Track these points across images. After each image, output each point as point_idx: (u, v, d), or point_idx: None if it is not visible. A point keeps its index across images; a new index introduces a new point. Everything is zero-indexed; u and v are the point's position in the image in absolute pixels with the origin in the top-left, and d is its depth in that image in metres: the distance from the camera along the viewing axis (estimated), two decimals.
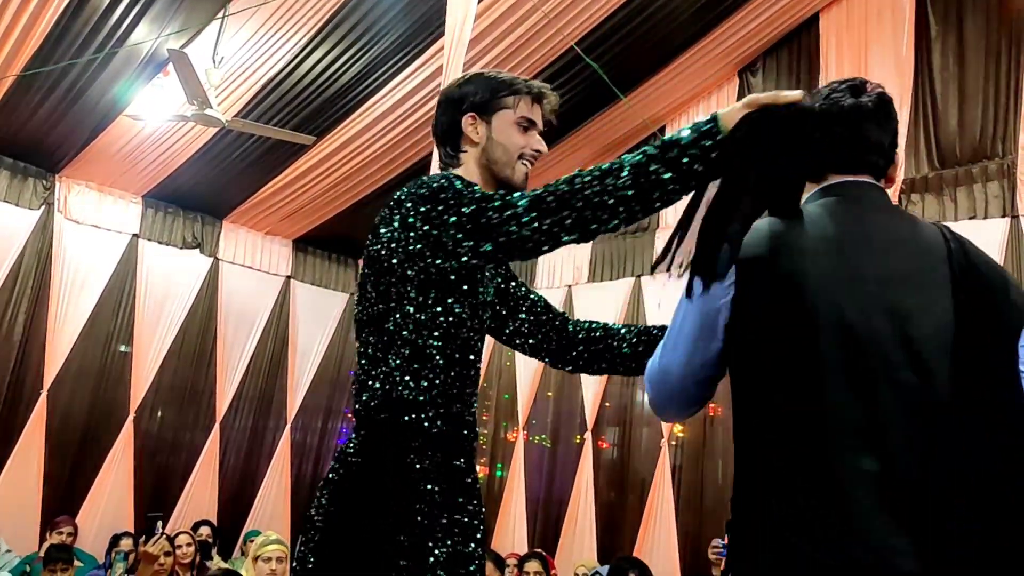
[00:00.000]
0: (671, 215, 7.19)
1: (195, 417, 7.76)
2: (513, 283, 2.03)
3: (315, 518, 1.75)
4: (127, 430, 7.20)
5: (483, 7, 5.39)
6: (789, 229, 1.43)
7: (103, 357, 7.24)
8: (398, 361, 1.67)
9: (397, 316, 1.68)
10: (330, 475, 1.77)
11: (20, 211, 6.82)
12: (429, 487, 1.62)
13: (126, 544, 5.49)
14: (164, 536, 4.39)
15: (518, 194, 1.60)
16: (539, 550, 5.59)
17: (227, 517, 7.53)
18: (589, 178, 1.50)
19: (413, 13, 5.58)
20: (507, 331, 2.02)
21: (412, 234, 1.65)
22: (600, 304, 7.39)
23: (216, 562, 6.10)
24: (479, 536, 1.66)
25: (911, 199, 5.68)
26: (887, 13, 6.07)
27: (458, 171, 1.82)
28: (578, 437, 7.33)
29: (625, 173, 1.47)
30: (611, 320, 7.46)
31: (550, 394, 7.72)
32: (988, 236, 5.25)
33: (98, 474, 7.01)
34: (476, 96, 1.84)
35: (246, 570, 4.30)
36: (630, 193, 1.46)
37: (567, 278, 7.83)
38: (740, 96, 6.87)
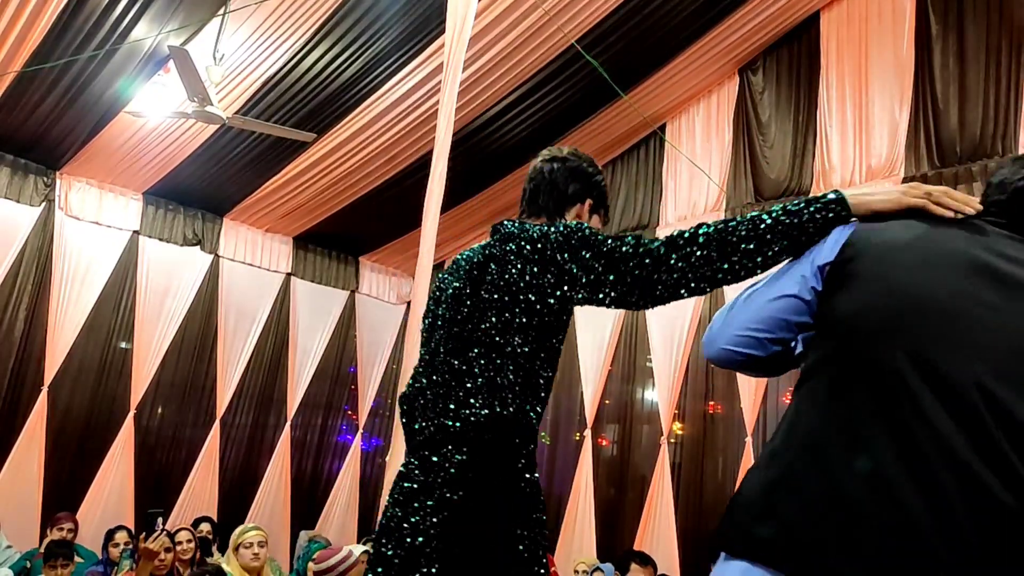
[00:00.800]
0: (671, 213, 7.21)
1: (195, 413, 7.77)
2: None
3: (425, 547, 1.66)
4: (127, 426, 7.21)
5: (484, 4, 5.40)
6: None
7: (104, 354, 7.25)
8: (510, 384, 1.72)
9: (517, 341, 1.73)
10: (428, 496, 1.70)
11: (21, 208, 6.82)
12: (536, 508, 1.77)
13: (121, 537, 5.49)
14: (164, 532, 4.40)
15: (656, 242, 1.70)
16: None
17: (227, 513, 7.53)
18: (737, 235, 1.62)
19: (414, 10, 5.58)
20: None
21: (553, 269, 1.72)
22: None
23: (216, 558, 6.10)
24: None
25: None
26: (887, 12, 6.08)
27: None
28: (578, 434, 7.35)
29: (757, 239, 1.59)
30: (610, 317, 7.44)
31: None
32: None
33: (98, 470, 7.03)
34: (600, 193, 2.05)
35: (228, 561, 4.31)
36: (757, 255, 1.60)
37: None
38: (740, 95, 6.90)
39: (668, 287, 1.64)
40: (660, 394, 6.76)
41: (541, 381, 1.77)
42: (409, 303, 7.38)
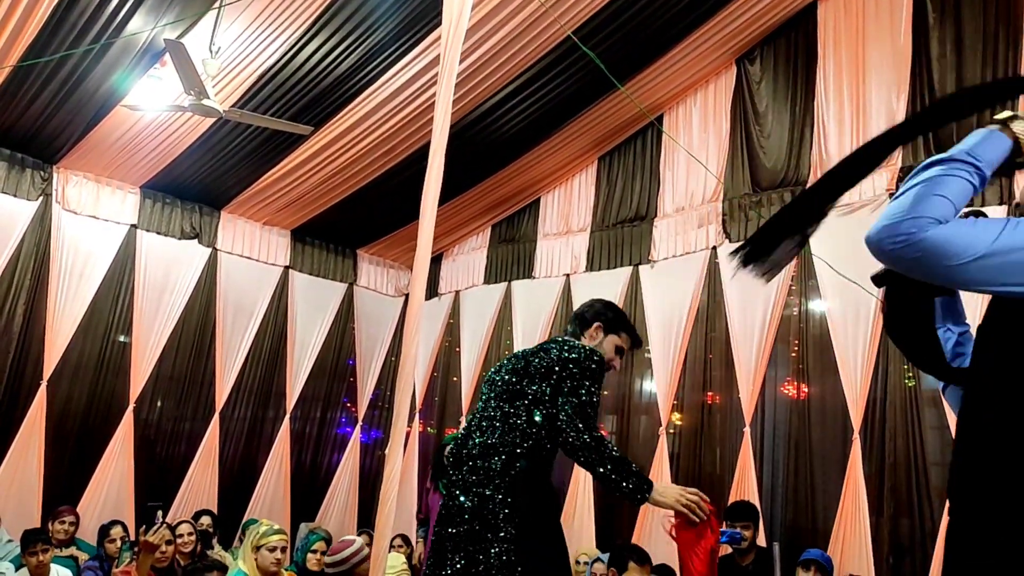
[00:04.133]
0: (668, 204, 7.21)
1: (194, 407, 7.79)
2: None
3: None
4: (127, 420, 7.22)
5: None
6: None
7: (102, 348, 7.26)
8: (544, 445, 2.72)
9: (554, 411, 2.71)
10: (496, 535, 2.58)
11: (18, 202, 6.82)
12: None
13: (116, 532, 5.51)
14: (164, 525, 4.41)
15: (597, 436, 2.67)
16: None
17: (227, 506, 7.56)
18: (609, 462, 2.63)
19: (410, 2, 5.57)
20: None
21: (560, 383, 2.74)
22: (598, 293, 7.36)
23: (217, 551, 6.12)
24: None
25: None
26: (885, 1, 6.07)
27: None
28: None
29: (608, 468, 2.62)
30: None
31: None
32: None
33: (98, 464, 7.04)
34: (608, 317, 3.09)
35: (244, 559, 4.29)
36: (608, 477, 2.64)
37: (565, 267, 7.85)
38: (737, 85, 6.90)
39: (577, 458, 2.66)
40: (658, 385, 6.77)
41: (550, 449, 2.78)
42: (407, 295, 7.38)
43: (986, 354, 1.43)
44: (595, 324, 3.02)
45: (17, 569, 4.91)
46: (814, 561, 4.81)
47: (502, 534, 2.53)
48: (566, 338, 2.96)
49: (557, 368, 2.73)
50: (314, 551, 4.46)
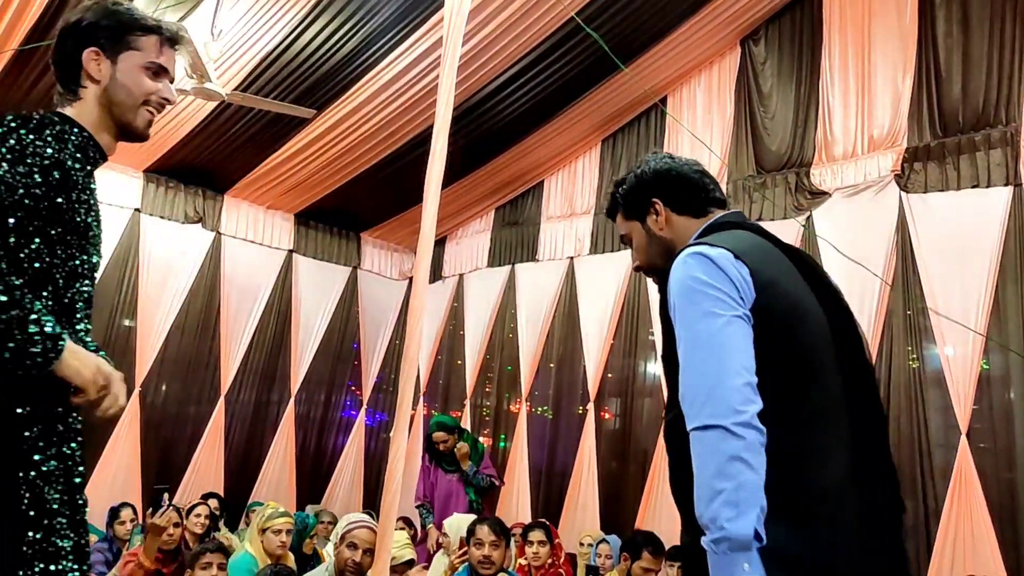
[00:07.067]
0: None
1: (200, 390, 7.82)
2: None
3: None
4: (133, 404, 7.25)
5: None
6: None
7: (107, 332, 7.28)
8: None
9: None
10: None
11: None
12: None
13: (127, 515, 5.54)
14: (171, 508, 4.44)
15: None
16: (543, 519, 5.64)
17: (233, 489, 7.61)
18: None
19: None
20: None
21: None
22: (601, 276, 7.40)
23: (223, 533, 6.17)
24: None
25: (913, 168, 5.65)
26: None
27: (75, 108, 1.74)
28: (580, 408, 7.38)
29: None
30: (612, 291, 7.44)
31: (552, 366, 7.76)
32: (991, 205, 5.25)
33: (105, 447, 7.08)
34: (103, 30, 1.75)
35: (250, 541, 4.33)
36: None
37: (568, 250, 7.84)
38: (741, 66, 6.85)
39: None
40: (662, 367, 6.77)
41: None
42: (411, 279, 7.39)
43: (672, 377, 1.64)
44: (88, 53, 1.76)
45: None
46: None
47: None
48: None
49: None
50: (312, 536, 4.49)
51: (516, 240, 8.43)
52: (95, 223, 1.69)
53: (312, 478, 8.46)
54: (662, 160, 1.88)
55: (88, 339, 1.70)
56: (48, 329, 1.45)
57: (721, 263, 1.56)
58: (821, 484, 1.46)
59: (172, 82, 1.83)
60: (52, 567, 1.52)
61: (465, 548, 4.07)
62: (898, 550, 1.57)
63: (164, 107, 1.83)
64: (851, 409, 1.56)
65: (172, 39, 1.81)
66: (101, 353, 1.69)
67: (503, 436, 8.06)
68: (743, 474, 1.36)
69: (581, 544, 5.95)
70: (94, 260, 1.69)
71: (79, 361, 1.53)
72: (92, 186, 1.71)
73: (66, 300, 1.62)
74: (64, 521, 1.60)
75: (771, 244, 1.73)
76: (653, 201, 1.84)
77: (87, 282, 1.67)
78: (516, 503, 7.36)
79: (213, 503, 6.40)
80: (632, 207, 1.89)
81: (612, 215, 1.98)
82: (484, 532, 3.83)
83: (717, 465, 1.38)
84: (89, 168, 1.70)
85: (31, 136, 1.57)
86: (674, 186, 1.83)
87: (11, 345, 1.42)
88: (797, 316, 1.58)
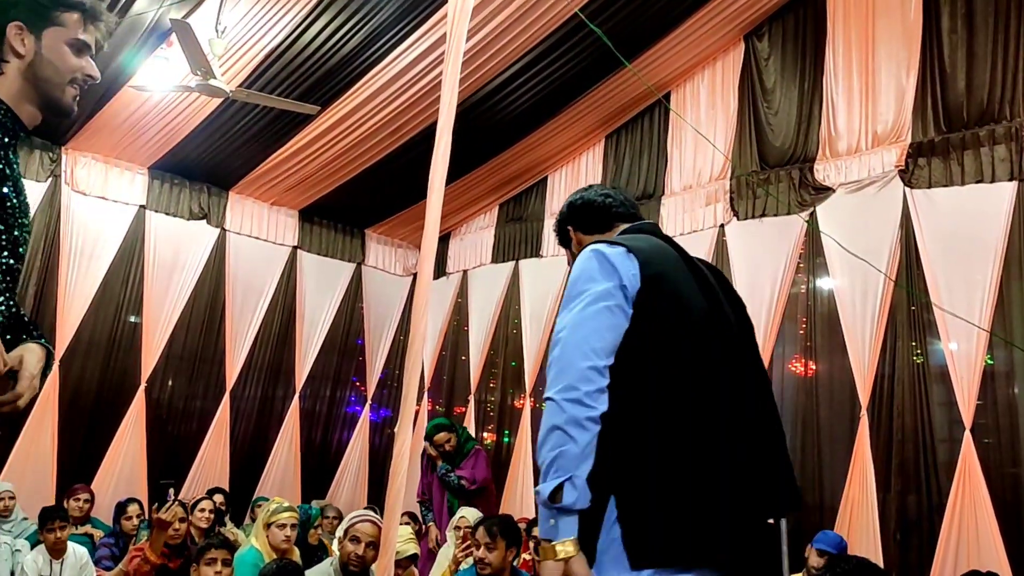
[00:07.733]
0: (676, 182, 7.19)
1: (205, 386, 7.85)
2: None
3: None
4: (139, 399, 7.29)
5: None
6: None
7: (113, 328, 7.31)
8: None
9: None
10: None
11: (27, 184, 6.67)
12: None
13: (133, 510, 5.58)
14: (177, 502, 4.46)
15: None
16: None
17: (238, 484, 7.64)
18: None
19: None
20: None
21: None
22: None
23: (229, 527, 6.20)
24: None
25: (917, 163, 5.64)
26: None
27: None
28: None
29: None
30: None
31: None
32: (995, 200, 5.24)
33: (111, 443, 7.12)
34: (25, 5, 1.70)
35: (256, 535, 4.36)
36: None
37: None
38: (745, 62, 6.84)
39: None
40: None
41: None
42: (415, 275, 7.40)
43: None
44: (11, 27, 1.73)
45: (32, 546, 4.97)
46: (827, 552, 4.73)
47: None
48: None
49: None
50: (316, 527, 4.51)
51: (520, 236, 8.43)
52: (12, 194, 1.66)
53: (317, 473, 8.48)
54: (577, 194, 2.20)
55: (11, 312, 1.66)
56: None
57: (612, 258, 1.77)
58: (683, 467, 1.64)
59: (94, 58, 1.83)
60: None
61: (470, 542, 4.09)
62: (768, 547, 1.80)
63: (87, 83, 1.83)
64: (732, 398, 1.73)
65: (94, 15, 1.80)
66: (34, 328, 1.65)
67: (507, 432, 8.07)
68: (565, 444, 1.61)
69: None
70: (14, 233, 1.66)
71: None
72: (12, 158, 1.70)
73: None
74: None
75: (671, 248, 1.94)
76: (568, 228, 2.18)
77: (5, 254, 1.63)
78: (520, 498, 7.38)
79: (218, 498, 6.43)
80: (561, 237, 2.24)
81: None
82: (480, 533, 3.82)
83: (546, 432, 1.65)
84: (7, 139, 1.69)
85: None
86: (581, 212, 2.15)
87: None
88: (680, 306, 1.78)
